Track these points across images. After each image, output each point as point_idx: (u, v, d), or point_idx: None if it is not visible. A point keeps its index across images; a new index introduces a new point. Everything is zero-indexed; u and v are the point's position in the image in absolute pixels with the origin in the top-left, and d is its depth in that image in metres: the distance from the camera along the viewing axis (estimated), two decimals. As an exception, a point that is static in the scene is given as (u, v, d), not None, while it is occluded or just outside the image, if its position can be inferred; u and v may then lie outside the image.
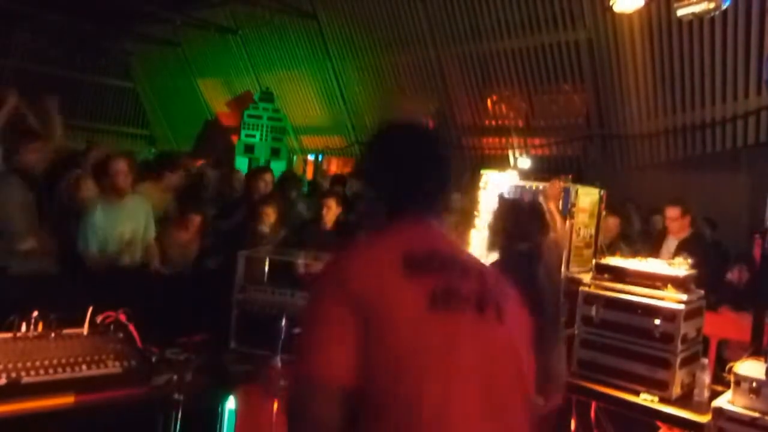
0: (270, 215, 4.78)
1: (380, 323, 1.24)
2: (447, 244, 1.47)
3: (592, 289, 3.26)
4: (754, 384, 2.66)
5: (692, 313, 3.08)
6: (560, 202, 3.69)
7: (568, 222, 3.75)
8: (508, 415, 1.34)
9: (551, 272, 2.96)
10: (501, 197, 3.56)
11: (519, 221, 2.91)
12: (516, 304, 1.47)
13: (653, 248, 5.18)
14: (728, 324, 4.16)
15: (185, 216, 4.77)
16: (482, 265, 1.53)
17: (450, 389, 1.25)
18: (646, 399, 2.98)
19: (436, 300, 1.29)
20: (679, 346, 2.96)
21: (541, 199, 3.54)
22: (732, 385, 2.75)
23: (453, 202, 6.41)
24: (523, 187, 3.99)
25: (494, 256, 3.16)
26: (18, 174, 3.89)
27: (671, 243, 5.14)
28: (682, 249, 4.90)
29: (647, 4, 5.48)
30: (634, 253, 5.29)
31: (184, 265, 4.62)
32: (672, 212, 5.07)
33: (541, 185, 3.86)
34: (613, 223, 5.23)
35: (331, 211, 4.79)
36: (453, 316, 1.30)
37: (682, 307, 2.98)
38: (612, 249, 5.06)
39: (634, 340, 3.07)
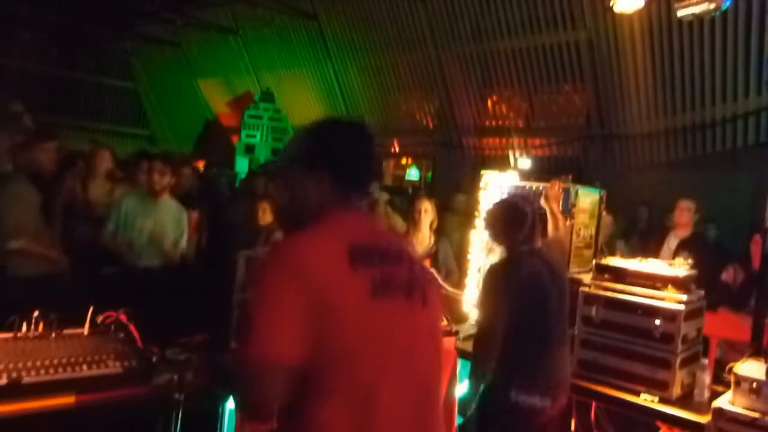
0: (266, 212, 4.78)
1: (327, 309, 1.32)
2: (382, 234, 1.63)
3: (593, 290, 3.26)
4: (755, 384, 2.66)
5: (692, 314, 3.08)
6: (561, 203, 3.69)
7: (568, 222, 3.74)
8: (428, 391, 1.50)
9: (555, 273, 2.96)
10: (499, 198, 3.56)
11: (519, 222, 2.91)
12: (436, 291, 1.63)
13: (656, 246, 5.20)
14: (727, 324, 4.16)
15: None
16: (409, 251, 1.64)
17: (386, 370, 1.39)
18: (647, 399, 2.98)
19: (376, 289, 1.40)
20: (680, 347, 2.96)
21: (542, 199, 3.53)
22: (732, 385, 2.75)
23: (458, 203, 6.47)
24: (523, 188, 3.99)
25: (495, 257, 3.16)
26: (25, 173, 3.89)
27: (672, 241, 5.16)
28: (683, 248, 4.91)
29: (647, 5, 5.47)
30: (632, 252, 5.32)
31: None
32: (685, 204, 5.14)
33: (541, 186, 3.86)
34: (607, 220, 5.24)
35: None
36: (389, 302, 1.42)
37: (682, 307, 2.98)
38: (608, 248, 5.08)
39: (634, 340, 3.07)
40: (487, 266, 3.10)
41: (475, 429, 2.87)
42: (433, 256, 4.58)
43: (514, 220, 2.90)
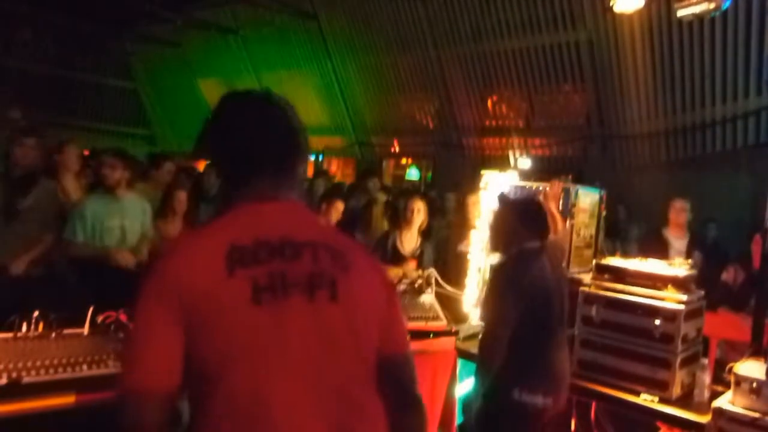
0: None
1: (203, 322, 1.20)
2: (286, 223, 1.36)
3: (593, 290, 3.26)
4: (755, 384, 2.66)
5: (692, 314, 3.08)
6: (560, 203, 3.69)
7: (568, 222, 3.74)
8: (350, 396, 1.30)
9: (556, 272, 2.96)
10: (502, 197, 3.55)
11: (522, 221, 2.90)
12: (364, 277, 1.40)
13: (657, 248, 5.20)
14: (727, 324, 4.17)
15: (168, 205, 4.65)
16: (328, 237, 1.41)
17: (277, 379, 1.22)
18: (647, 399, 2.98)
19: (260, 292, 1.23)
20: (680, 347, 2.96)
21: (541, 199, 3.53)
22: (732, 385, 2.76)
23: (448, 201, 6.47)
24: (523, 188, 3.99)
25: (497, 256, 3.16)
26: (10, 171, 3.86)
27: (675, 241, 5.16)
28: (693, 247, 4.92)
29: (647, 5, 5.48)
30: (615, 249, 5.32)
31: None
32: (680, 204, 5.15)
33: (541, 186, 3.86)
34: None
35: (337, 212, 4.77)
36: (278, 306, 1.25)
37: (682, 307, 2.98)
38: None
39: (634, 340, 3.07)
40: (493, 264, 3.08)
41: (477, 428, 2.87)
42: (419, 257, 4.58)
43: (526, 218, 2.90)
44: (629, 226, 6.66)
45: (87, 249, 3.97)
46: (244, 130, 1.40)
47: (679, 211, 5.18)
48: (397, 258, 4.51)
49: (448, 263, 4.84)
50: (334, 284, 1.31)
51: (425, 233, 4.78)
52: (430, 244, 4.77)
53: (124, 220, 4.12)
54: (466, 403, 3.06)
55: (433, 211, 5.40)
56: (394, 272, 4.11)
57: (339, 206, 4.78)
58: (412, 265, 4.43)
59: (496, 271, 2.94)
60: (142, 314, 1.23)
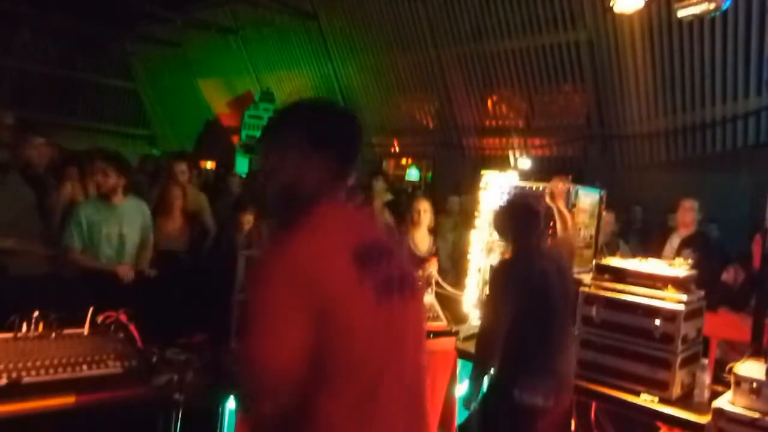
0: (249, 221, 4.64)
1: (334, 316, 1.29)
2: (378, 229, 1.55)
3: (593, 290, 3.26)
4: (755, 384, 2.66)
5: (692, 314, 3.08)
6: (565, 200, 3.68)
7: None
8: (417, 386, 1.48)
9: (562, 272, 2.96)
10: (507, 198, 3.56)
11: (531, 221, 2.90)
12: (418, 281, 1.60)
13: (656, 246, 5.20)
14: (727, 324, 4.16)
15: (167, 200, 4.57)
16: (396, 244, 1.58)
17: (385, 369, 1.37)
18: (647, 399, 2.98)
19: (381, 291, 1.37)
20: (680, 347, 2.95)
21: (547, 198, 3.52)
22: (732, 385, 2.75)
23: (452, 204, 6.47)
24: (523, 188, 3.99)
25: (496, 257, 3.16)
26: (19, 172, 3.87)
27: (675, 241, 5.16)
28: (686, 246, 4.91)
29: (647, 5, 5.47)
30: (631, 251, 5.32)
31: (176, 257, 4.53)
32: (689, 204, 5.15)
33: (541, 186, 3.85)
34: (608, 218, 5.23)
35: None
36: (390, 303, 1.40)
37: (682, 307, 2.98)
38: (610, 246, 5.07)
39: (634, 340, 3.07)
40: (494, 264, 3.09)
41: (477, 428, 2.87)
42: (437, 254, 4.58)
43: (527, 218, 2.90)
44: (634, 227, 6.67)
45: (87, 260, 3.85)
46: (352, 138, 1.54)
47: (687, 211, 5.18)
48: (417, 260, 4.50)
49: (452, 266, 4.85)
50: (412, 285, 1.50)
51: (434, 231, 4.79)
52: (441, 240, 4.78)
53: (123, 227, 3.98)
54: (465, 401, 3.06)
55: (439, 210, 5.40)
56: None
57: None
58: (433, 262, 4.39)
59: (497, 270, 2.94)
60: (273, 299, 1.30)
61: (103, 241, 3.90)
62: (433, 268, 4.26)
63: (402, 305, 1.44)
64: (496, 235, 3.94)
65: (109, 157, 4.03)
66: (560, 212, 3.44)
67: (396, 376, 1.39)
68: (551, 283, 2.84)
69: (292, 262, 1.31)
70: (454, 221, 6.08)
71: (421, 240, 4.61)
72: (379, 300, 1.36)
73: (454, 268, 4.63)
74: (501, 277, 2.87)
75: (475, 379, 2.89)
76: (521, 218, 2.91)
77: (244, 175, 9.22)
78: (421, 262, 4.45)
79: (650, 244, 5.60)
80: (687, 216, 5.18)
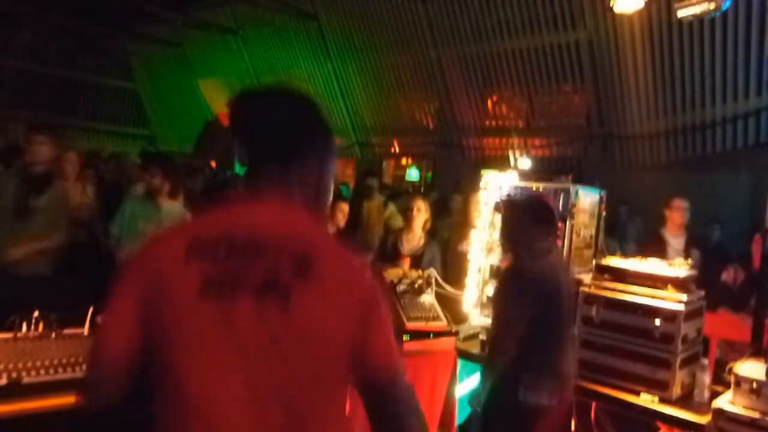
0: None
1: (157, 306, 1.24)
2: (262, 224, 1.30)
3: (593, 290, 3.26)
4: (755, 384, 2.66)
5: (692, 314, 3.08)
6: (560, 204, 3.69)
7: (568, 222, 3.74)
8: (298, 414, 1.23)
9: (565, 271, 2.97)
10: (509, 200, 3.55)
11: (533, 220, 2.89)
12: (330, 292, 1.26)
13: (653, 245, 5.20)
14: (727, 324, 4.17)
15: None
16: (305, 246, 1.29)
17: (216, 382, 1.21)
18: (647, 399, 2.98)
19: (209, 288, 1.22)
20: (680, 347, 2.96)
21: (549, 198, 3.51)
22: (732, 385, 2.75)
23: (455, 203, 6.47)
24: (524, 188, 3.98)
25: (504, 257, 3.15)
26: (18, 171, 3.86)
27: (673, 240, 5.16)
28: (691, 246, 4.92)
29: (647, 5, 5.48)
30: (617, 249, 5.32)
31: None
32: (679, 203, 5.16)
33: (541, 186, 3.86)
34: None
35: (342, 214, 4.77)
36: (223, 304, 1.21)
37: (682, 307, 2.98)
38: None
39: (634, 340, 3.07)
40: (505, 265, 3.08)
41: (477, 427, 2.87)
42: (419, 257, 4.57)
43: (540, 217, 2.89)
44: (629, 225, 6.67)
45: (119, 246, 4.17)
46: (254, 119, 1.39)
47: (678, 210, 5.18)
48: (395, 257, 4.51)
49: (447, 263, 4.84)
50: (288, 295, 1.23)
51: (430, 233, 4.78)
52: (435, 245, 4.77)
53: (160, 226, 4.14)
54: (472, 398, 3.05)
55: (437, 211, 5.40)
56: (394, 272, 4.10)
57: (344, 208, 4.78)
58: (406, 263, 4.42)
59: (511, 272, 2.92)
60: (115, 291, 1.30)
61: (139, 237, 4.08)
62: (407, 268, 4.25)
63: (259, 315, 1.21)
64: (496, 235, 3.94)
65: (156, 158, 4.29)
66: None
67: (246, 398, 1.20)
68: (560, 282, 2.84)
69: (138, 253, 1.33)
70: (453, 220, 6.08)
71: (410, 240, 4.61)
72: (203, 295, 1.21)
73: (449, 269, 4.61)
74: (514, 278, 2.86)
75: (486, 381, 2.88)
76: (537, 217, 2.90)
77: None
78: (398, 261, 4.45)
79: (647, 244, 5.60)
80: (677, 215, 5.18)
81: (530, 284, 2.75)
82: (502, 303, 2.91)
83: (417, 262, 4.48)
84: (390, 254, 4.56)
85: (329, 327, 1.26)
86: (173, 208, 4.35)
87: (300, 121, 1.39)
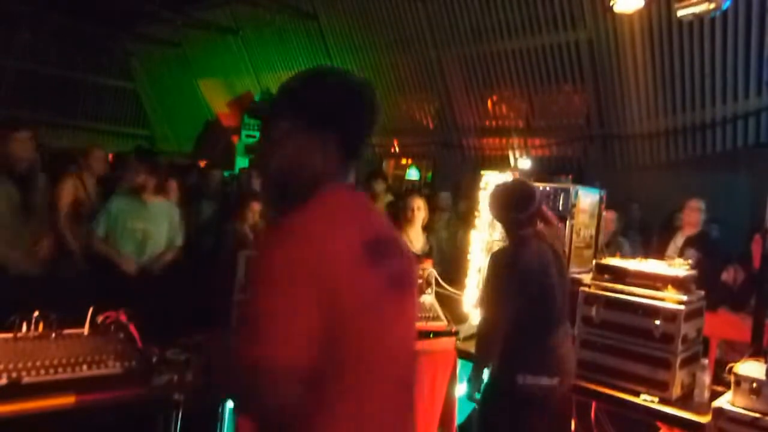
0: (255, 212, 4.72)
1: (342, 308, 1.19)
2: (383, 220, 1.46)
3: (593, 290, 3.26)
4: (755, 384, 2.66)
5: (692, 314, 3.08)
6: (560, 203, 3.69)
7: (568, 222, 3.74)
8: (406, 382, 1.42)
9: (555, 252, 2.96)
10: (500, 183, 3.54)
11: (525, 202, 2.87)
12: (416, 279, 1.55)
13: (659, 245, 5.21)
14: (727, 324, 4.17)
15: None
16: (398, 236, 1.49)
17: (385, 369, 1.31)
18: (647, 399, 2.98)
19: (391, 285, 1.31)
20: (680, 347, 2.96)
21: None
22: (732, 385, 2.75)
23: (443, 201, 6.48)
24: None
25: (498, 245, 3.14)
26: (3, 169, 3.85)
27: (679, 240, 5.17)
28: (689, 245, 4.93)
29: (647, 5, 5.48)
30: (633, 248, 5.33)
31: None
32: (695, 204, 5.20)
33: (541, 186, 3.86)
34: (610, 217, 5.25)
35: None
36: (399, 297, 1.36)
37: (682, 307, 2.98)
38: (611, 246, 5.08)
39: (634, 340, 3.07)
40: (493, 253, 3.07)
41: (477, 421, 2.87)
42: (430, 254, 4.58)
43: (521, 200, 2.88)
44: (635, 225, 6.67)
45: (102, 245, 4.03)
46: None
47: (693, 211, 5.21)
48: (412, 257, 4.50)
49: (445, 263, 4.85)
50: (411, 284, 1.46)
51: (427, 228, 4.79)
52: (434, 238, 4.79)
53: (148, 223, 4.15)
54: (469, 390, 3.04)
55: (432, 207, 5.41)
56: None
57: None
58: (428, 264, 4.40)
59: (495, 259, 2.92)
60: (280, 285, 1.17)
61: (126, 235, 4.06)
62: (430, 267, 4.26)
63: (404, 304, 1.39)
64: (496, 236, 3.94)
65: (142, 154, 4.20)
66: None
67: (388, 377, 1.32)
68: (548, 265, 2.84)
69: (298, 243, 1.19)
70: (447, 219, 6.09)
71: (416, 238, 4.62)
72: (388, 296, 1.29)
73: (448, 267, 4.62)
74: (498, 266, 2.85)
75: (475, 375, 2.89)
76: (517, 199, 2.89)
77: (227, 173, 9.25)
78: (419, 260, 4.46)
79: (650, 244, 5.61)
80: (693, 216, 5.21)
81: (514, 272, 2.76)
82: (488, 292, 2.91)
83: (430, 257, 4.49)
84: None
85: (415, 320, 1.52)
86: (161, 204, 4.30)
87: (375, 115, 1.39)
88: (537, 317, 2.76)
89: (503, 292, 2.77)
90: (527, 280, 2.75)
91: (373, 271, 1.26)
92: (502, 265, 2.84)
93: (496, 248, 3.89)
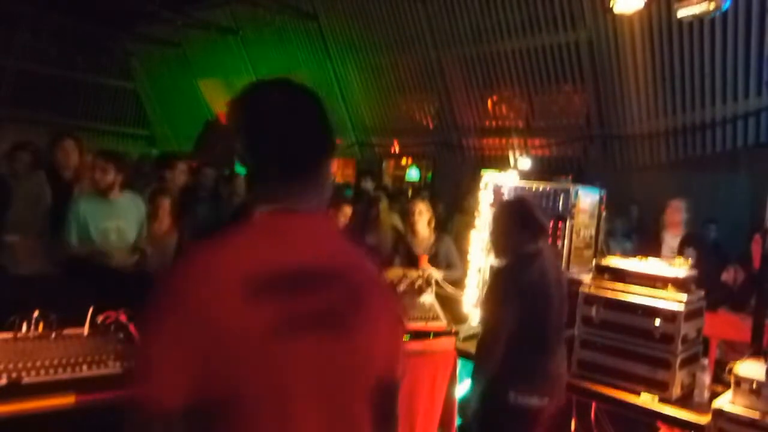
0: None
1: (220, 351, 1.10)
2: (306, 246, 1.23)
3: (592, 290, 3.26)
4: (755, 384, 2.67)
5: (692, 314, 3.08)
6: (560, 204, 3.69)
7: (568, 222, 3.75)
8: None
9: (558, 272, 2.96)
10: (500, 201, 3.55)
11: (518, 224, 2.90)
12: (375, 314, 1.27)
13: (649, 245, 5.23)
14: (727, 325, 4.17)
15: (153, 203, 4.60)
16: (346, 265, 1.27)
17: (293, 423, 1.16)
18: (647, 399, 2.98)
19: (278, 328, 1.13)
20: (680, 347, 2.96)
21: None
22: (732, 385, 2.76)
23: (467, 204, 6.45)
24: (522, 188, 3.99)
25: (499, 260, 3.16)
26: (47, 172, 3.88)
27: (671, 240, 5.18)
28: (686, 245, 4.94)
29: (647, 5, 5.48)
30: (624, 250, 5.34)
31: (164, 261, 4.54)
32: (677, 204, 5.21)
33: (541, 186, 3.86)
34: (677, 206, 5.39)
35: (345, 216, 4.76)
36: (295, 342, 1.15)
37: (682, 307, 2.98)
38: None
39: (634, 340, 3.07)
40: (493, 267, 3.09)
41: (476, 429, 2.87)
42: (434, 254, 4.58)
43: (523, 219, 2.89)
44: (628, 224, 6.68)
45: (82, 249, 3.95)
46: (276, 123, 1.23)
47: (676, 211, 5.23)
48: (411, 260, 4.50)
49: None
50: (345, 323, 1.21)
51: (438, 227, 4.80)
52: (447, 238, 4.77)
53: (120, 221, 4.10)
54: (462, 405, 3.06)
55: (453, 212, 5.41)
56: (394, 272, 4.11)
57: (347, 210, 4.76)
58: (424, 260, 4.41)
59: (497, 275, 2.94)
60: (158, 331, 1.14)
61: (100, 236, 3.99)
62: (428, 267, 4.26)
63: (320, 343, 1.18)
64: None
65: (108, 154, 4.14)
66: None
67: (316, 424, 1.18)
68: (549, 285, 2.84)
69: (175, 280, 1.15)
70: (468, 220, 6.08)
71: (420, 241, 4.61)
72: (274, 336, 1.12)
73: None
74: (499, 282, 2.86)
75: (477, 382, 2.89)
76: (520, 219, 2.90)
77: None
78: (415, 263, 4.47)
79: (647, 244, 5.62)
80: (675, 216, 5.24)
81: (514, 289, 2.76)
82: (489, 307, 2.92)
83: (434, 258, 4.48)
84: (405, 257, 4.56)
85: (374, 347, 1.27)
86: (126, 201, 4.22)
87: (324, 122, 1.29)
88: (531, 337, 2.76)
89: (503, 311, 2.76)
90: (527, 298, 2.75)
91: (258, 309, 1.12)
92: (500, 282, 2.86)
93: (493, 259, 3.91)
